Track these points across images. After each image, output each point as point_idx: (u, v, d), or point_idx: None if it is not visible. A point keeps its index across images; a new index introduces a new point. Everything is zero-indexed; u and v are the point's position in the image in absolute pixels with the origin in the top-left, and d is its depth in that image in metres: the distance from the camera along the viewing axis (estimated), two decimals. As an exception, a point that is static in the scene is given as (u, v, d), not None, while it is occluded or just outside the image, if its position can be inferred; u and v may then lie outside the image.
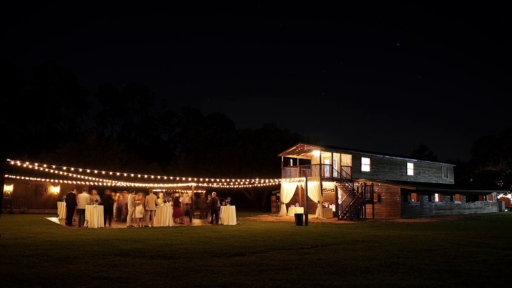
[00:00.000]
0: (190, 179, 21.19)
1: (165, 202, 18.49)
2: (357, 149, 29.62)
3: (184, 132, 70.22)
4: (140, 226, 16.32)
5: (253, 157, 40.04)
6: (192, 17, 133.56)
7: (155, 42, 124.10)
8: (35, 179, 26.01)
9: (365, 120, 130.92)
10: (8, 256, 8.00)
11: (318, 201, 24.88)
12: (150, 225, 16.69)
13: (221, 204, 19.40)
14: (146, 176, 20.39)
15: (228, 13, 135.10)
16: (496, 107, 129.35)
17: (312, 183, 25.24)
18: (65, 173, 21.13)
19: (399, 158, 31.47)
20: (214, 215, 18.99)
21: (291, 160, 29.49)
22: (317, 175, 25.53)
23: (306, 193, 21.64)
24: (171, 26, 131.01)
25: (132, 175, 18.80)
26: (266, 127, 45.86)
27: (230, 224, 18.24)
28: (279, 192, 29.60)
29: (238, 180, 25.37)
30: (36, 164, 16.46)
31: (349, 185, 24.87)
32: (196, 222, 19.43)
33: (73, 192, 17.09)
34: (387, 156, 30.29)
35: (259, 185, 29.40)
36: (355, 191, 24.34)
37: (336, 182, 25.52)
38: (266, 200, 40.87)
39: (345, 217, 23.54)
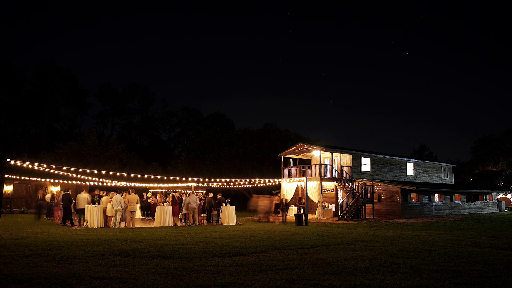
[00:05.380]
0: (190, 179, 21.19)
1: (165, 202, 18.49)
2: (357, 149, 29.62)
3: (184, 132, 70.23)
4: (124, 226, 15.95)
5: (253, 157, 40.03)
6: (192, 16, 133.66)
7: (155, 42, 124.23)
8: (35, 179, 26.00)
9: (365, 120, 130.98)
10: (8, 256, 8.00)
11: (318, 201, 24.87)
12: (131, 226, 16.08)
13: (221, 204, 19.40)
14: (146, 176, 20.37)
15: (229, 13, 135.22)
16: (496, 107, 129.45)
17: (312, 183, 25.24)
18: (65, 173, 21.13)
19: (399, 158, 31.47)
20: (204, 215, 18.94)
21: (291, 160, 29.48)
22: (317, 175, 25.53)
23: (306, 193, 21.63)
24: (171, 25, 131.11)
25: (132, 175, 18.79)
26: (266, 127, 45.87)
27: (230, 224, 18.23)
28: (279, 192, 29.59)
29: (238, 180, 25.37)
30: (36, 164, 16.44)
31: (349, 185, 24.86)
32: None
33: (69, 192, 17.09)
34: (387, 156, 30.29)
35: (259, 185, 29.37)
36: (355, 191, 24.33)
37: (336, 182, 25.51)
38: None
39: (345, 217, 23.54)
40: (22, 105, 55.48)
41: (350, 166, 27.23)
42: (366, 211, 24.89)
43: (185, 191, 25.79)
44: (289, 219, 22.85)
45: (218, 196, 19.82)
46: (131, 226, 16.07)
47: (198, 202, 18.15)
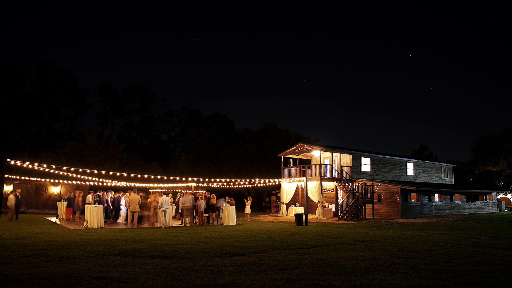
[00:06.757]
0: (190, 179, 21.18)
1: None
2: (357, 149, 29.62)
3: (184, 132, 70.21)
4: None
5: (253, 157, 40.03)
6: (193, 16, 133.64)
7: (156, 42, 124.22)
8: (35, 179, 26.01)
9: (365, 120, 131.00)
10: (8, 256, 8.00)
11: (318, 201, 24.87)
12: (134, 227, 15.84)
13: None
14: (146, 176, 20.36)
15: (230, 13, 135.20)
16: (496, 107, 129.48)
17: (312, 183, 25.24)
18: (65, 173, 21.13)
19: (399, 158, 31.47)
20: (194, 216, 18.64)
21: (291, 160, 29.49)
22: (317, 175, 25.52)
23: (306, 193, 21.63)
24: (171, 25, 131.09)
25: (132, 175, 18.78)
26: (266, 127, 45.88)
27: (230, 224, 18.23)
28: (279, 192, 29.59)
29: (238, 180, 25.36)
30: (36, 164, 16.45)
31: (349, 185, 24.86)
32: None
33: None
34: (387, 156, 30.29)
35: (259, 185, 29.38)
36: (355, 191, 24.33)
37: (336, 182, 25.51)
38: (266, 200, 40.86)
39: (345, 217, 23.53)
40: (22, 105, 55.45)
41: (350, 166, 27.23)
42: (366, 211, 24.88)
43: (184, 191, 25.78)
44: (288, 219, 22.86)
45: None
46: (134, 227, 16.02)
47: (193, 202, 18.03)
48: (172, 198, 20.23)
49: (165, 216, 16.48)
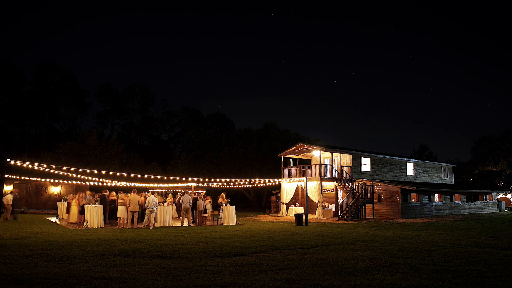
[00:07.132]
0: (190, 179, 21.18)
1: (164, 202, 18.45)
2: (357, 149, 29.61)
3: (184, 132, 70.22)
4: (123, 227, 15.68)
5: (253, 157, 40.02)
6: (193, 16, 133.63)
7: (155, 42, 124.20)
8: (35, 179, 26.00)
9: (365, 120, 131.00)
10: (8, 256, 8.00)
11: (318, 201, 24.87)
12: (134, 227, 15.71)
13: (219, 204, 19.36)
14: (146, 176, 20.36)
15: (229, 12, 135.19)
16: (496, 107, 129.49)
17: (312, 183, 25.23)
18: (65, 173, 21.13)
19: (399, 158, 31.46)
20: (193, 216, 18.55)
21: (291, 160, 29.48)
22: (317, 175, 25.52)
23: (306, 193, 21.63)
24: (171, 25, 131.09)
25: (132, 175, 18.77)
26: (266, 127, 45.86)
27: (230, 224, 18.23)
28: (279, 192, 29.59)
29: (238, 180, 25.36)
30: (36, 164, 16.45)
31: (349, 185, 24.86)
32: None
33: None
34: (387, 156, 30.28)
35: (259, 185, 29.39)
36: (355, 191, 24.32)
37: (336, 182, 25.51)
38: (266, 200, 40.87)
39: (345, 217, 23.53)
40: (22, 105, 55.46)
41: (350, 166, 27.22)
42: (366, 211, 24.88)
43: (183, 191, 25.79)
44: (288, 219, 22.85)
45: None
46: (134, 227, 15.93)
47: (191, 202, 18.03)
48: (172, 198, 20.26)
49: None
